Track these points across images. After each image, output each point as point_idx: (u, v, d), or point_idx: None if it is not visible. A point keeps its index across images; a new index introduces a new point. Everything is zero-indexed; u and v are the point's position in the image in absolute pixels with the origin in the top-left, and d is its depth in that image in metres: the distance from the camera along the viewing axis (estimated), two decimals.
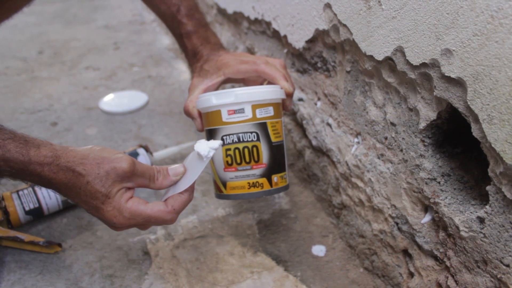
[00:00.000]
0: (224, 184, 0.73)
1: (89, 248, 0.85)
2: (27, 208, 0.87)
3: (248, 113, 0.70)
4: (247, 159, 0.71)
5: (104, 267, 0.81)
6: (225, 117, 0.71)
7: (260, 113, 0.71)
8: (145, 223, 0.64)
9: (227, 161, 0.72)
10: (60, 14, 2.44)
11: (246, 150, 0.71)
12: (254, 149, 0.71)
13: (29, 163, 0.60)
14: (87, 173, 0.60)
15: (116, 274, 0.80)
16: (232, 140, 0.71)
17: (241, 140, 0.71)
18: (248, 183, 0.71)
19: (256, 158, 0.71)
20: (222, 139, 0.71)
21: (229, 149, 0.71)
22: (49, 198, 0.90)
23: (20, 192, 0.88)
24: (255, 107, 0.71)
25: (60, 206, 0.92)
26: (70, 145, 1.17)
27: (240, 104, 0.70)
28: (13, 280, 0.78)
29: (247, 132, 0.71)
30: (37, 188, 0.89)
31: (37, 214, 0.89)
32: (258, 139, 0.71)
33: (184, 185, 0.65)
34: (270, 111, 0.72)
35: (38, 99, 1.44)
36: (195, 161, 0.65)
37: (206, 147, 0.63)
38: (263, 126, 0.71)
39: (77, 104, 1.40)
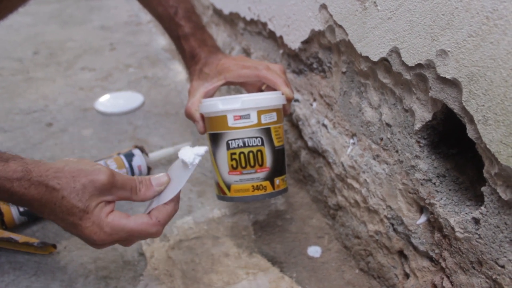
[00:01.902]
0: (229, 187, 0.74)
1: (84, 249, 0.85)
2: (21, 209, 0.87)
3: (254, 119, 0.72)
4: (252, 163, 0.73)
5: (99, 269, 0.81)
6: (231, 122, 0.72)
7: (265, 119, 0.73)
8: (128, 237, 0.60)
9: (232, 165, 0.73)
10: (56, 15, 2.44)
11: (251, 154, 0.73)
12: (259, 153, 0.73)
13: None
14: (61, 187, 0.56)
15: (111, 276, 0.79)
16: (238, 145, 0.72)
17: (247, 144, 0.72)
18: (252, 186, 0.73)
19: (260, 162, 0.73)
20: (228, 144, 0.73)
21: (235, 153, 0.73)
22: None
23: None
24: (260, 113, 0.73)
25: None
26: (65, 146, 1.17)
27: (246, 110, 0.72)
28: (7, 282, 0.78)
29: (252, 137, 0.73)
30: None
31: (31, 215, 0.89)
32: (262, 144, 0.73)
33: (169, 195, 0.62)
34: (274, 116, 0.74)
35: (34, 99, 1.43)
36: (180, 169, 0.63)
37: (192, 154, 0.61)
38: (267, 131, 0.73)
39: (72, 105, 1.40)
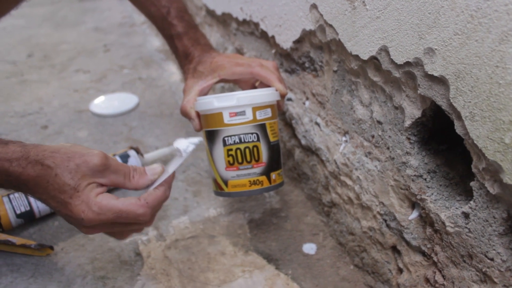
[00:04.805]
0: (226, 183, 0.76)
1: (81, 250, 0.86)
2: (18, 212, 0.87)
3: (249, 115, 0.74)
4: (248, 159, 0.75)
5: (96, 269, 0.81)
6: (226, 119, 0.73)
7: (260, 115, 0.75)
8: (116, 219, 0.59)
9: (228, 161, 0.75)
10: (49, 17, 2.44)
11: (247, 150, 0.74)
12: (255, 149, 0.75)
13: None
14: (56, 165, 0.58)
15: (108, 276, 0.80)
16: (234, 141, 0.74)
17: (243, 140, 0.74)
18: (249, 181, 0.75)
19: (256, 158, 0.75)
20: (224, 140, 0.74)
21: (231, 150, 0.74)
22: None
23: (11, 196, 0.88)
24: (255, 109, 0.74)
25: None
26: None
27: (242, 106, 0.73)
28: (5, 284, 0.78)
29: (248, 133, 0.74)
30: None
31: (28, 217, 0.89)
32: (258, 140, 0.75)
33: (160, 181, 0.64)
34: (268, 112, 0.76)
35: (28, 102, 1.44)
36: (174, 158, 0.66)
37: (186, 142, 0.64)
38: (262, 127, 0.75)
39: (67, 107, 1.40)
